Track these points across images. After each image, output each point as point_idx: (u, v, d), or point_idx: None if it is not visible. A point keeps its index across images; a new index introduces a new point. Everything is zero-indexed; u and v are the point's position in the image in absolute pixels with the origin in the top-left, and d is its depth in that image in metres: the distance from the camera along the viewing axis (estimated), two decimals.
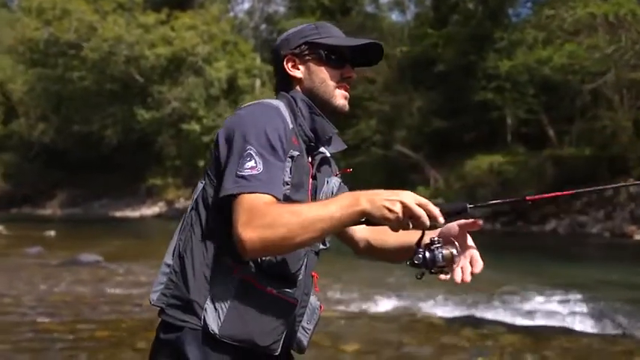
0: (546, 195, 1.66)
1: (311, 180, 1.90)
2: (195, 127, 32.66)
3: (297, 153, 1.83)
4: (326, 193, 1.97)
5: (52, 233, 21.50)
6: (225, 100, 33.74)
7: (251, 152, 1.72)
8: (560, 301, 8.92)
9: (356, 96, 30.44)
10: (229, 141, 1.77)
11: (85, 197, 40.76)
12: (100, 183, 39.29)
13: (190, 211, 1.85)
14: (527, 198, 1.68)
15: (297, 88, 1.96)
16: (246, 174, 1.70)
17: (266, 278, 1.78)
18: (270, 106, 1.84)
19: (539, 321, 7.99)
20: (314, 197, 1.93)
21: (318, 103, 1.93)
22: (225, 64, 33.88)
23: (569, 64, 21.35)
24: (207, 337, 1.75)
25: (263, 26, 41.98)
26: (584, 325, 7.76)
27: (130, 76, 33.66)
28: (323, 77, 1.94)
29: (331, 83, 1.94)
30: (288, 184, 1.79)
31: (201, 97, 33.19)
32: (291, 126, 1.84)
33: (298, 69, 1.96)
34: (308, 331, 1.98)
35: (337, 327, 7.73)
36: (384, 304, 8.97)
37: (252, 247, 1.64)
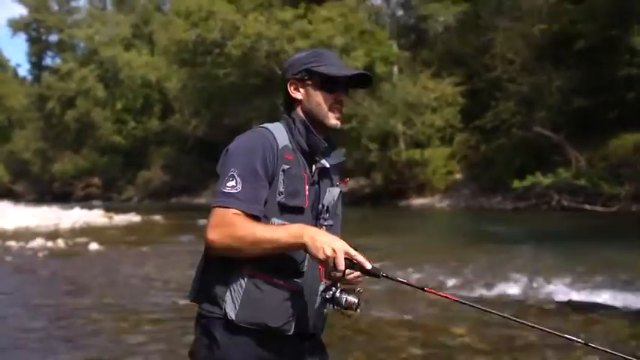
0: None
1: (308, 187, 2.26)
2: None
3: (288, 166, 2.21)
4: (328, 200, 2.34)
5: (205, 221, 23.13)
6: (363, 89, 34.14)
7: (234, 174, 2.16)
8: None
9: (494, 77, 29.90)
10: (222, 164, 2.24)
11: None
12: None
13: None
14: (426, 290, 2.12)
15: (298, 108, 2.33)
16: (227, 191, 2.15)
17: (272, 271, 2.17)
18: (259, 134, 2.24)
19: None
20: (317, 202, 2.31)
21: (315, 122, 2.30)
22: (363, 54, 34.32)
23: None
24: (228, 323, 2.17)
25: (400, 12, 42.00)
26: None
27: (272, 70, 34.96)
28: (318, 101, 2.30)
29: (325, 106, 2.30)
30: (282, 193, 2.20)
31: None
32: (282, 145, 2.23)
33: (299, 91, 2.33)
34: (321, 315, 2.32)
35: (449, 310, 8.02)
36: (499, 289, 9.13)
37: (213, 246, 2.13)
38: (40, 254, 14.28)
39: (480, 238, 16.11)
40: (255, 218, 2.16)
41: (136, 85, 52.88)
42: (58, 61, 64.89)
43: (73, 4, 66.94)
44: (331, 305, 2.11)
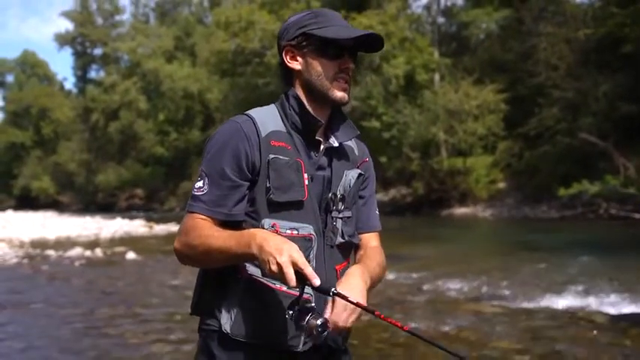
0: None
1: (308, 175, 1.89)
2: (376, 124, 32.90)
3: (275, 155, 1.85)
4: (344, 184, 1.96)
5: None
6: (404, 97, 33.79)
7: (202, 174, 1.88)
8: None
9: (538, 84, 29.21)
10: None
11: None
12: None
13: None
14: (376, 313, 1.69)
15: (297, 80, 1.95)
16: (194, 194, 1.88)
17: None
18: (233, 124, 1.89)
19: None
20: (326, 191, 1.93)
21: (317, 95, 1.92)
22: (403, 61, 33.92)
23: None
24: (224, 337, 1.87)
25: (441, 20, 41.58)
26: None
27: None
28: (320, 70, 1.90)
29: (328, 76, 1.90)
30: (270, 189, 1.84)
31: (379, 95, 33.45)
32: (268, 131, 1.88)
33: (297, 60, 1.94)
34: None
35: (493, 323, 7.63)
36: (548, 301, 8.68)
37: (176, 255, 1.89)
38: (77, 263, 14.25)
39: (525, 248, 15.59)
40: (229, 224, 1.84)
41: (178, 96, 53.33)
42: (102, 74, 66.18)
43: (117, 18, 68.15)
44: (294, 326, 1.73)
